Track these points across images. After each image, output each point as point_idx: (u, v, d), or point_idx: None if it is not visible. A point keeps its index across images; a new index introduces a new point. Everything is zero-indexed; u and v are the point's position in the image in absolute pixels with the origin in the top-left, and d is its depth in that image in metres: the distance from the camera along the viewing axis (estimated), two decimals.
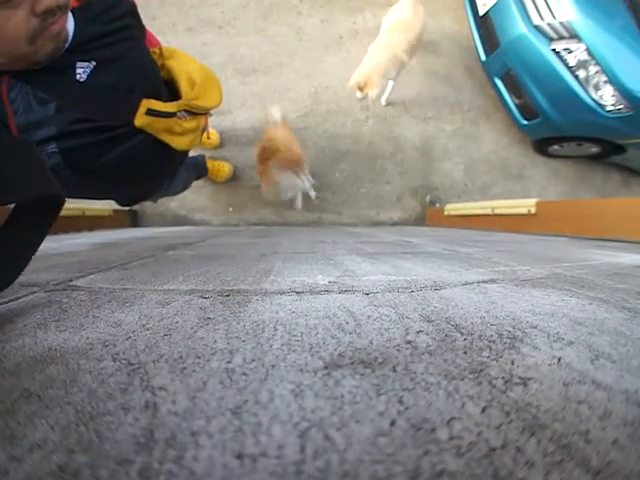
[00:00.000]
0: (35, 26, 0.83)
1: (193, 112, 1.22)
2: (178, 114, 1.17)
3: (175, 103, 1.15)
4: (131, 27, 1.11)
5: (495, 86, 3.25)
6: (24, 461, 0.22)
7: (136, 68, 1.10)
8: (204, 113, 1.30)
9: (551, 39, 2.67)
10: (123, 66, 1.06)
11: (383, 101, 3.32)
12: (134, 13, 1.15)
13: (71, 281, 0.71)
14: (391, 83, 3.13)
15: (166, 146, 1.18)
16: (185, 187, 2.30)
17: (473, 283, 0.70)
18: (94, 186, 1.18)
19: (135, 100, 1.08)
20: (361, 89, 2.62)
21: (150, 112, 1.09)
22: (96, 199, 1.38)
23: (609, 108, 2.64)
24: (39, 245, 0.58)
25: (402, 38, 2.74)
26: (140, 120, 1.08)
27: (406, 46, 2.75)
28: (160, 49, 1.22)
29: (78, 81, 1.01)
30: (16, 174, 0.50)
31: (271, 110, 2.71)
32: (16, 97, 0.97)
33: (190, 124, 1.23)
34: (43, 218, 0.57)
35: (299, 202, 2.94)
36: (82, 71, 1.01)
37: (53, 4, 0.83)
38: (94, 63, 1.01)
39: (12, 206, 0.54)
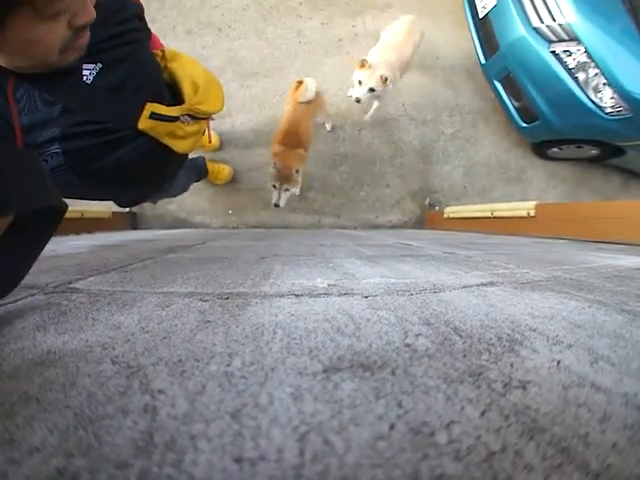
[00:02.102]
0: (68, 38, 0.86)
1: (196, 116, 1.23)
2: (181, 118, 1.18)
3: (178, 107, 1.16)
4: (137, 30, 1.12)
5: (494, 89, 3.26)
6: (23, 464, 0.22)
7: (141, 71, 1.10)
8: (206, 117, 1.30)
9: (550, 41, 2.68)
10: (128, 69, 1.07)
11: (367, 117, 3.28)
12: (141, 16, 1.16)
13: (70, 283, 0.71)
14: (376, 103, 3.12)
15: (167, 149, 1.19)
16: (185, 189, 2.31)
17: (472, 286, 0.70)
18: (95, 187, 1.18)
19: (139, 103, 1.09)
20: (363, 66, 2.55)
21: (154, 116, 1.10)
22: (96, 200, 1.39)
23: (608, 110, 2.65)
24: (39, 253, 0.58)
25: (395, 58, 2.76)
26: (143, 124, 1.09)
27: (398, 64, 2.75)
28: (163, 51, 1.23)
29: (84, 83, 1.01)
30: (17, 184, 0.50)
31: (306, 81, 2.61)
32: (22, 97, 0.97)
33: (192, 128, 1.24)
34: (44, 227, 0.57)
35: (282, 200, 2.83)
36: (88, 73, 1.01)
37: (90, 20, 0.86)
38: (100, 65, 1.02)
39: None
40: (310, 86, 2.59)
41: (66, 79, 0.99)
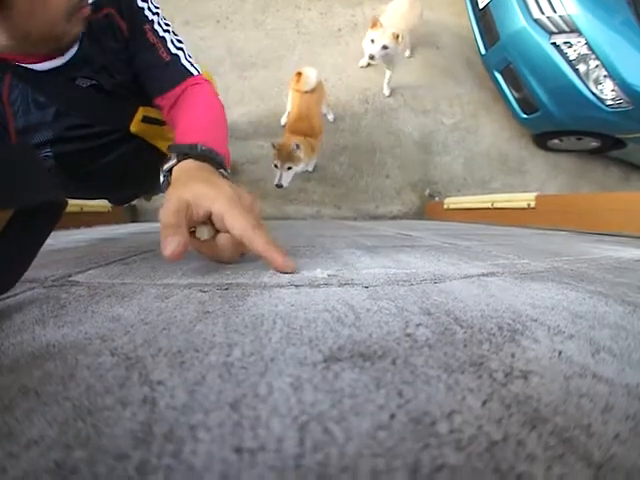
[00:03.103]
0: (74, 3, 0.84)
1: None
2: None
3: None
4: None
5: (495, 79, 3.25)
6: (21, 458, 0.21)
7: (133, 87, 1.11)
8: None
9: (551, 33, 2.67)
10: (122, 84, 1.07)
11: (385, 91, 3.33)
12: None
13: (70, 276, 0.71)
14: (388, 73, 3.14)
15: (158, 151, 1.20)
16: None
17: (473, 276, 0.70)
18: (88, 189, 1.20)
19: (132, 106, 1.10)
20: (375, 25, 2.68)
21: (145, 119, 1.11)
22: (90, 199, 1.40)
23: (609, 102, 2.64)
24: (39, 248, 0.58)
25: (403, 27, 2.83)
26: (136, 127, 1.10)
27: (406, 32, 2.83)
28: None
29: (79, 86, 1.01)
30: (16, 179, 0.50)
31: (306, 70, 2.66)
32: (16, 99, 0.97)
33: None
34: (44, 222, 0.57)
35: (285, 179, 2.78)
36: (82, 83, 1.02)
37: None
38: (95, 82, 1.02)
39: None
40: (311, 74, 2.64)
41: (60, 80, 0.99)
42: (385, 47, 2.69)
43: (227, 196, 0.65)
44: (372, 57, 2.73)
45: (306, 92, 2.66)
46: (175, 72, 1.04)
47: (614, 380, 0.30)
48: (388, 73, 3.12)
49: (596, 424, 0.25)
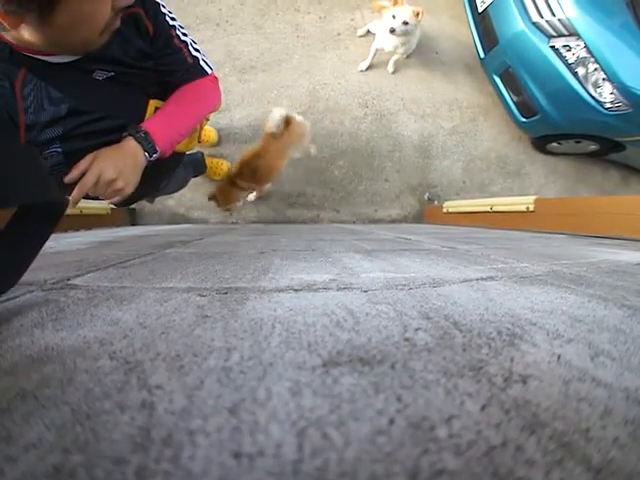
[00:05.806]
0: (109, 20, 0.89)
1: None
2: None
3: None
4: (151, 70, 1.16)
5: (494, 83, 3.25)
6: (20, 461, 0.21)
7: (146, 75, 1.12)
8: None
9: (550, 36, 2.67)
10: (139, 75, 1.10)
11: (390, 68, 3.34)
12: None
13: (69, 280, 0.71)
14: (396, 56, 3.17)
15: None
16: (182, 185, 2.30)
17: (472, 280, 0.70)
18: None
19: (144, 98, 1.11)
20: (396, 3, 2.79)
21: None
22: (94, 199, 1.39)
23: (608, 106, 2.64)
24: (40, 249, 0.58)
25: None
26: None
27: None
28: None
29: (95, 79, 1.03)
30: (19, 179, 0.50)
31: (272, 112, 2.38)
32: (29, 94, 0.97)
33: None
34: (45, 222, 0.57)
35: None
36: (99, 75, 1.03)
37: (130, 1, 0.90)
38: (113, 73, 1.04)
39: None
40: (275, 116, 2.33)
41: (77, 75, 1.00)
42: (405, 23, 2.77)
43: (101, 154, 0.99)
44: (393, 31, 2.80)
45: (271, 134, 2.34)
46: (194, 72, 1.20)
47: (613, 384, 0.30)
48: (396, 56, 3.14)
49: (595, 428, 0.25)
